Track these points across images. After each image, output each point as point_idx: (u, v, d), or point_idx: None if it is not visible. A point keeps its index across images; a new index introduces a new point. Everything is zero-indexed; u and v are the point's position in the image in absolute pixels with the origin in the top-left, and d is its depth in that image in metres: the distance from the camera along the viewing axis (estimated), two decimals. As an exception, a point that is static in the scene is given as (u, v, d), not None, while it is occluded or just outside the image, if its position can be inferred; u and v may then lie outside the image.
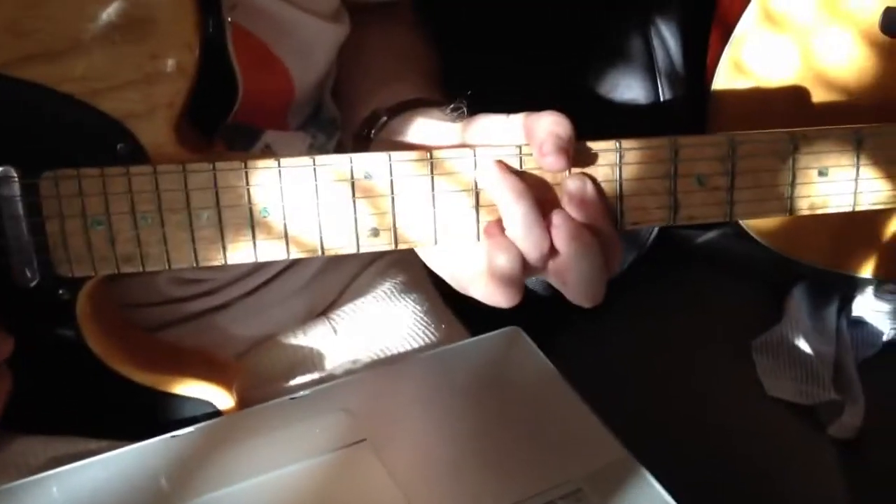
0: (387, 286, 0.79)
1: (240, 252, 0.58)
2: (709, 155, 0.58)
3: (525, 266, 0.57)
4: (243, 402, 0.65)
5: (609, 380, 0.83)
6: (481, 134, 0.59)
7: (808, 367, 0.92)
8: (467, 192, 0.58)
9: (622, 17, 0.91)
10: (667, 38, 0.91)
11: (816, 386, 0.90)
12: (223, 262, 0.58)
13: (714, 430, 0.83)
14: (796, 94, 0.78)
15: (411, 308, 0.78)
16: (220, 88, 0.59)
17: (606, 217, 0.58)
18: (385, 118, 0.65)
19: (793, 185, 0.59)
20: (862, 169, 0.60)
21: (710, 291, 0.97)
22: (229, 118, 0.61)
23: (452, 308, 0.81)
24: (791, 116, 0.79)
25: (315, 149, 0.73)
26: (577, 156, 0.57)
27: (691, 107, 0.87)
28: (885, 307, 1.00)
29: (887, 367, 0.97)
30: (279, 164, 0.57)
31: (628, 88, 0.92)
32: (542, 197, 0.57)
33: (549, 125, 0.56)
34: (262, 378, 0.71)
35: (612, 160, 0.58)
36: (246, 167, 0.57)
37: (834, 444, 0.87)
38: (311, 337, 0.75)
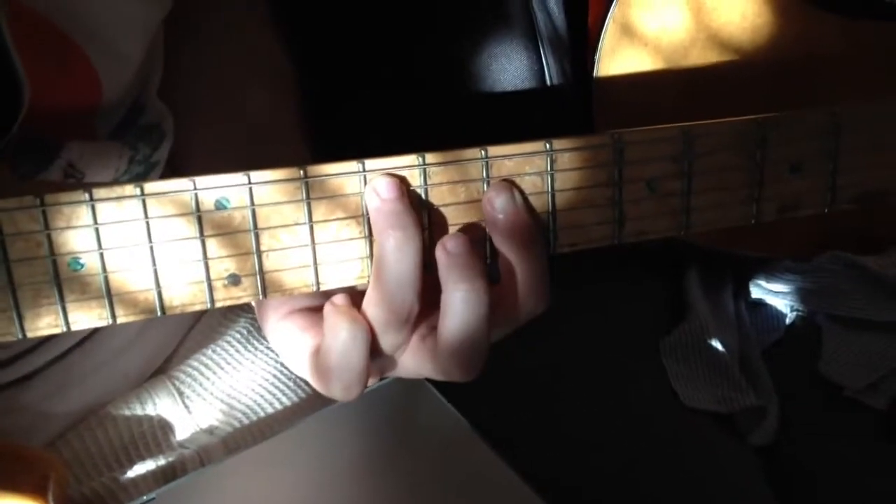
0: (240, 326, 0.63)
1: (43, 321, 0.42)
2: (661, 153, 0.46)
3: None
4: (66, 508, 0.48)
5: (504, 400, 0.73)
6: None
7: (723, 369, 0.84)
8: (356, 220, 0.44)
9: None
10: None
11: (734, 390, 0.83)
12: (20, 336, 0.42)
13: (629, 450, 0.74)
14: (690, 57, 0.72)
15: (274, 353, 0.62)
16: None
17: (540, 239, 0.45)
18: None
19: (760, 184, 0.48)
20: (841, 159, 0.48)
21: (600, 286, 0.86)
22: (12, 133, 0.44)
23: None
24: (684, 83, 0.73)
25: (137, 163, 0.56)
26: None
27: (578, 76, 0.79)
28: (785, 287, 0.94)
29: (791, 355, 0.90)
30: (91, 195, 0.41)
31: (508, 60, 0.79)
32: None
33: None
34: (90, 467, 0.54)
35: (542, 166, 0.45)
36: (42, 203, 0.40)
37: (756, 451, 0.81)
38: (150, 405, 0.58)
